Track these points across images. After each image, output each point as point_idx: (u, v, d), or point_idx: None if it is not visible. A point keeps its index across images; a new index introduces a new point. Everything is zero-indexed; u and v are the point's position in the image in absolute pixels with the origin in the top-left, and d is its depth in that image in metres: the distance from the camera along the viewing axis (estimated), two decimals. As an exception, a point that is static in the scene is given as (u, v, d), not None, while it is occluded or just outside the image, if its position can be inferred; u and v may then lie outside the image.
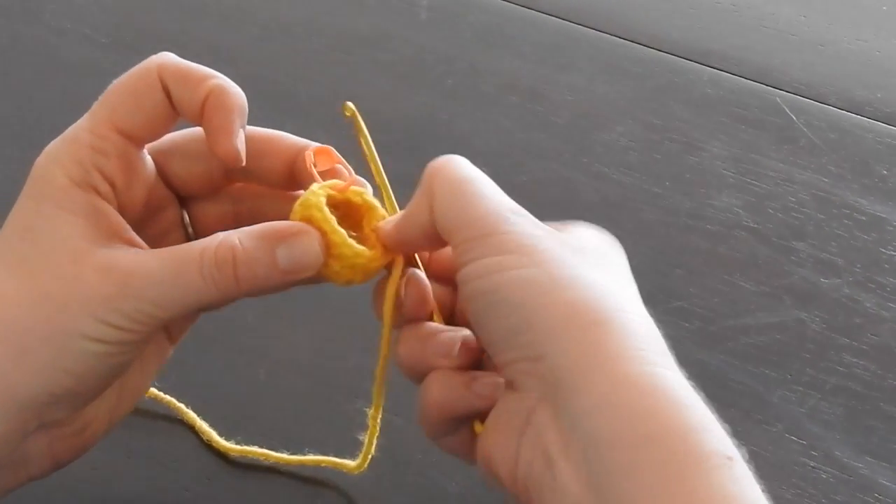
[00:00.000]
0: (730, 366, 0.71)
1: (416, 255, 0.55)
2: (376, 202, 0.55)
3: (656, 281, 0.75)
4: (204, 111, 0.53)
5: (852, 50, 0.94)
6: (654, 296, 0.74)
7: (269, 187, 0.57)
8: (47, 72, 0.86)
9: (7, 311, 0.50)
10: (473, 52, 0.91)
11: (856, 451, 0.67)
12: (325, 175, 0.55)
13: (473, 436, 0.53)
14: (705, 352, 0.72)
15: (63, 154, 0.52)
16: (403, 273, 0.54)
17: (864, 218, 0.81)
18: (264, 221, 0.55)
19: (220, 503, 0.63)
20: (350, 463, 0.61)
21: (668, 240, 0.78)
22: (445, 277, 0.55)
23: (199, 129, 0.55)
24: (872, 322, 0.74)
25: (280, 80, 0.87)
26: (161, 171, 0.56)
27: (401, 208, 0.55)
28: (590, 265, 0.50)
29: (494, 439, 0.50)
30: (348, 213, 0.55)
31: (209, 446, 0.64)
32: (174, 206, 0.58)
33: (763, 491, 0.45)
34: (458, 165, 0.53)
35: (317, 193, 0.53)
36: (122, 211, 0.53)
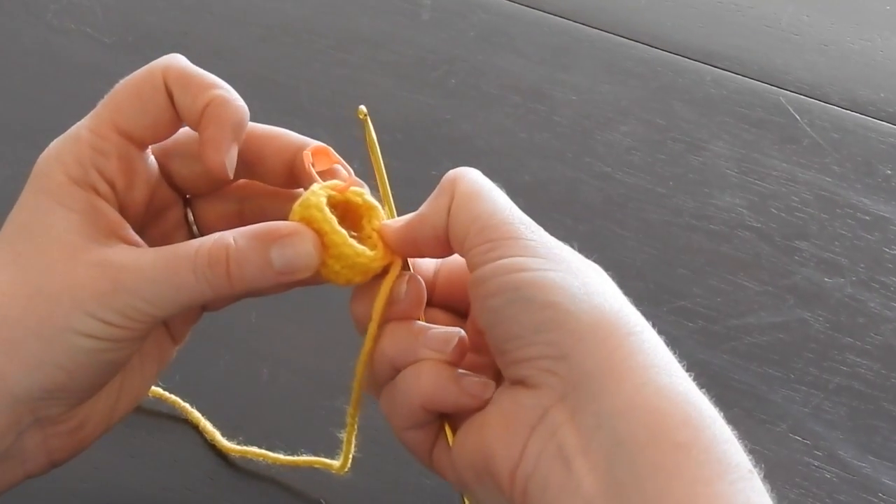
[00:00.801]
0: (733, 365, 0.71)
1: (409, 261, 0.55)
2: (376, 202, 0.55)
3: (659, 280, 0.75)
4: (202, 120, 0.53)
5: (856, 50, 0.94)
6: (658, 295, 0.74)
7: (271, 184, 0.57)
8: (49, 72, 0.86)
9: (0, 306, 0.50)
10: (476, 52, 0.91)
11: (859, 450, 0.67)
12: (324, 175, 0.54)
13: (436, 435, 0.54)
14: (708, 351, 0.72)
15: (64, 152, 0.52)
16: (401, 274, 0.54)
17: (867, 218, 0.81)
18: (268, 220, 0.55)
19: (223, 503, 0.63)
20: (335, 463, 0.61)
21: (671, 239, 0.78)
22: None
23: None
24: (876, 322, 0.74)
25: (282, 81, 0.87)
26: (165, 171, 0.56)
27: (399, 212, 0.55)
28: (604, 282, 0.51)
29: (498, 434, 0.50)
30: (347, 213, 0.54)
31: (212, 446, 0.64)
32: (178, 205, 0.58)
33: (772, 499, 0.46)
34: (479, 175, 0.53)
35: (317, 193, 0.52)
36: (123, 211, 0.53)
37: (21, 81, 0.86)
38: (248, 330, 0.70)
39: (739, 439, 0.47)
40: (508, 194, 0.52)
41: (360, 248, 0.53)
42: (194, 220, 0.58)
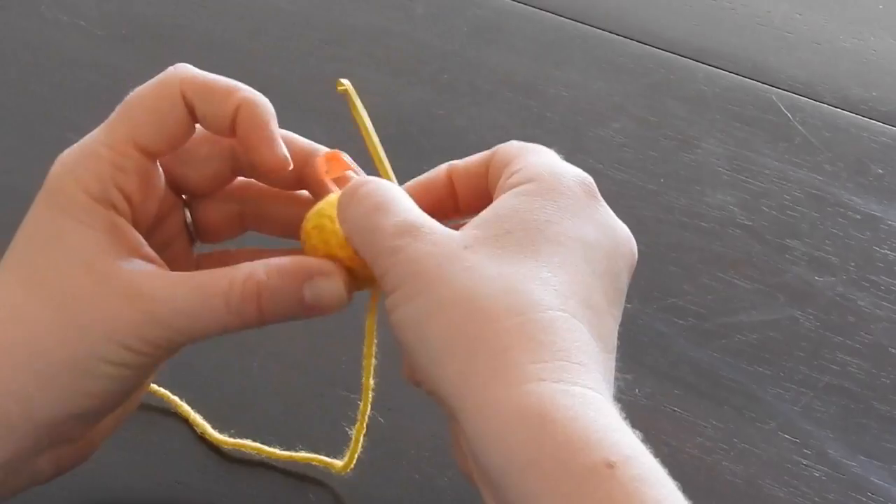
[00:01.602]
0: (723, 363, 0.71)
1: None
2: None
3: (650, 278, 0.75)
4: (237, 126, 0.52)
5: (848, 48, 0.94)
6: (649, 293, 0.74)
7: (276, 187, 0.57)
8: (43, 64, 0.86)
9: (28, 334, 0.50)
10: (469, 47, 0.91)
11: (849, 449, 0.67)
12: (337, 182, 0.55)
13: None
14: (699, 349, 0.72)
15: (82, 169, 0.51)
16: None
17: (858, 216, 0.81)
18: (269, 223, 0.56)
19: (213, 496, 0.63)
20: (338, 463, 0.61)
21: (662, 237, 0.78)
22: None
23: (204, 131, 0.55)
24: (866, 321, 0.74)
25: (276, 74, 0.87)
26: (168, 175, 0.56)
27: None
28: (500, 259, 0.48)
29: (462, 463, 0.50)
30: None
31: (203, 439, 0.64)
32: (179, 209, 0.57)
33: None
34: (359, 199, 0.52)
35: (332, 205, 0.53)
36: (136, 224, 0.53)
37: (14, 74, 0.86)
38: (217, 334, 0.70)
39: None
40: (501, 190, 0.52)
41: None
42: (192, 221, 0.58)
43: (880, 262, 0.78)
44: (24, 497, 0.54)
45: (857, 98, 0.90)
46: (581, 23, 0.94)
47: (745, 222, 0.80)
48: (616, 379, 0.49)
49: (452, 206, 0.56)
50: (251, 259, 0.52)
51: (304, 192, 0.57)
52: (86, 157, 0.52)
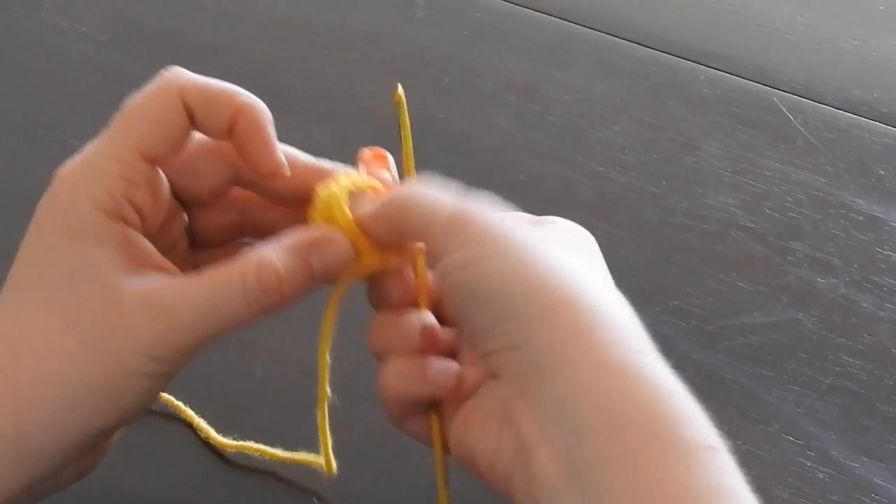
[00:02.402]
0: (726, 365, 0.71)
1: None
2: None
3: (653, 280, 0.75)
4: (235, 131, 0.53)
5: (849, 49, 0.94)
6: (651, 295, 0.74)
7: (273, 195, 0.57)
8: (44, 69, 0.86)
9: (56, 365, 0.49)
10: (470, 50, 0.91)
11: (852, 450, 0.67)
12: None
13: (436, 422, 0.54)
14: (702, 351, 0.72)
15: (92, 184, 0.51)
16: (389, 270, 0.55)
17: (860, 218, 0.81)
18: (267, 232, 0.56)
19: (216, 501, 0.63)
20: (322, 462, 0.61)
21: (664, 239, 0.78)
22: None
23: (202, 140, 0.55)
24: (869, 322, 0.74)
25: (276, 77, 0.87)
26: (168, 182, 0.56)
27: None
28: (564, 252, 0.50)
29: (474, 431, 0.50)
30: None
31: (205, 444, 0.64)
32: (181, 216, 0.57)
33: (749, 483, 0.45)
34: (411, 183, 0.55)
35: (341, 187, 0.53)
36: (145, 234, 0.53)
37: (15, 78, 0.86)
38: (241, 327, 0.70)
39: (731, 439, 0.47)
40: (502, 192, 0.52)
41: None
42: (190, 227, 0.58)
43: (882, 264, 0.78)
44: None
45: (858, 99, 0.89)
46: (582, 25, 0.94)
47: (747, 224, 0.80)
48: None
49: None
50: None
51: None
52: (95, 172, 0.51)
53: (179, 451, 0.64)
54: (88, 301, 0.50)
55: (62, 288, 0.50)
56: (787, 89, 0.90)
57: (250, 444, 0.64)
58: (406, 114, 0.56)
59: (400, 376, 0.53)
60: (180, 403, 0.65)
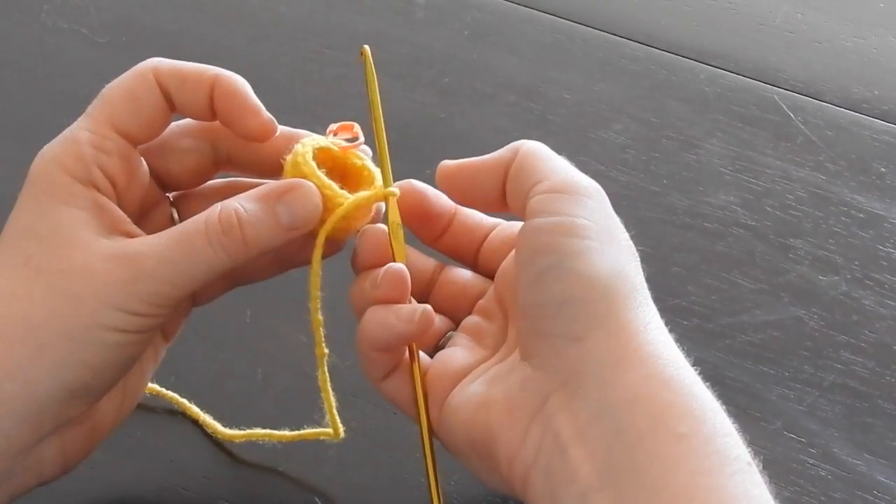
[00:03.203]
0: (728, 363, 0.71)
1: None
2: (376, 169, 0.57)
3: (654, 279, 0.75)
4: (216, 103, 0.54)
5: (849, 47, 0.94)
6: (652, 294, 0.74)
7: (258, 175, 0.58)
8: (43, 72, 0.86)
9: (21, 310, 0.50)
10: (470, 50, 0.91)
11: (854, 448, 0.67)
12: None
13: (409, 383, 0.55)
14: (703, 349, 0.72)
15: (62, 153, 0.52)
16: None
17: (861, 215, 0.81)
18: None
19: (220, 498, 0.63)
20: (329, 431, 0.61)
21: (665, 238, 0.78)
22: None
23: (186, 123, 0.56)
24: (870, 319, 0.74)
25: (276, 79, 0.87)
26: (151, 169, 0.56)
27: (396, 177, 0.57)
28: (637, 268, 0.54)
29: (501, 418, 0.50)
30: (346, 178, 0.57)
31: (210, 441, 0.64)
32: (165, 204, 0.58)
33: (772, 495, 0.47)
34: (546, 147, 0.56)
35: (305, 145, 0.55)
36: (126, 213, 0.54)
37: (15, 81, 0.86)
38: (243, 329, 0.70)
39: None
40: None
41: (340, 191, 0.54)
42: (179, 220, 0.58)
43: (884, 261, 0.78)
44: (33, 499, 0.54)
45: (858, 97, 0.89)
46: (582, 24, 0.94)
47: (748, 222, 0.79)
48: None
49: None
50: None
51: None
52: (67, 142, 0.53)
53: (184, 448, 0.65)
54: (53, 250, 0.51)
55: (27, 240, 0.51)
56: (787, 87, 0.90)
57: (257, 430, 0.63)
58: (373, 72, 0.58)
59: (372, 320, 0.54)
60: (185, 401, 0.65)
